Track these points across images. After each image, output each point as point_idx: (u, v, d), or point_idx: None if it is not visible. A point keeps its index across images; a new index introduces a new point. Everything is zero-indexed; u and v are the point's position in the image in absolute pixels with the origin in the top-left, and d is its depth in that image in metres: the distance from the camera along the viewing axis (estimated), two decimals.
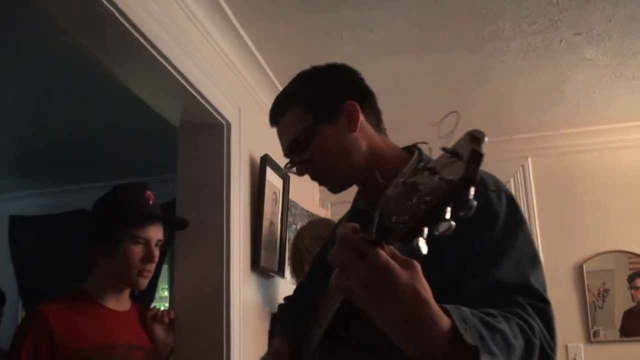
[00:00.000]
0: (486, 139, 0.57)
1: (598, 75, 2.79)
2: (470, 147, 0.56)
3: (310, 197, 3.41)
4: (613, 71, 2.74)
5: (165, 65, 1.78)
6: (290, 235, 2.81)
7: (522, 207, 3.49)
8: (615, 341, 3.27)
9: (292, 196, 2.87)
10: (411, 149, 1.24)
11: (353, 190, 1.31)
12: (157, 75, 1.84)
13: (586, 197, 3.47)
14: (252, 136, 2.44)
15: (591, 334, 3.30)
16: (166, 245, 2.70)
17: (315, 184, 1.31)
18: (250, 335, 2.24)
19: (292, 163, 1.28)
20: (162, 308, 2.11)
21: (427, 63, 2.60)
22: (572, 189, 3.51)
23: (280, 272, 2.71)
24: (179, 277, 2.16)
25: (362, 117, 1.22)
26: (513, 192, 3.56)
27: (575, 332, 3.32)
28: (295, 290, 1.60)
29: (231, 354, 2.04)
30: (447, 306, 0.77)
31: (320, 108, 1.23)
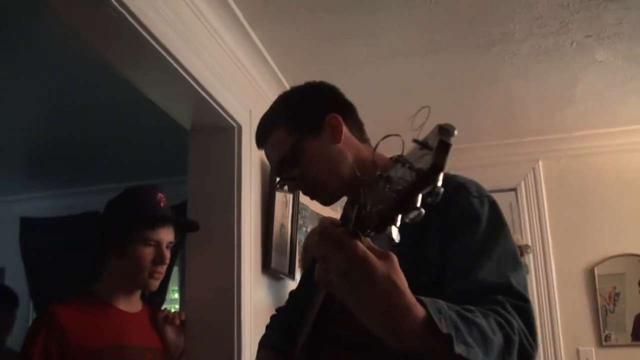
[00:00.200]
0: (455, 132, 0.61)
1: (609, 78, 2.77)
2: (439, 138, 0.60)
3: None
4: (624, 73, 2.73)
5: (176, 67, 1.78)
6: (301, 237, 2.82)
7: (533, 210, 3.51)
8: (626, 345, 3.24)
9: (303, 199, 2.87)
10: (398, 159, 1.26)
11: None
12: (168, 77, 1.85)
13: (597, 200, 3.45)
14: None
15: (602, 338, 3.27)
16: (177, 247, 2.71)
17: None
18: (260, 337, 2.24)
19: (282, 181, 1.32)
20: (173, 310, 2.12)
21: (437, 65, 2.59)
22: (583, 192, 3.49)
23: (291, 274, 2.71)
24: (190, 279, 2.16)
25: (345, 129, 1.27)
26: (524, 195, 3.58)
27: (586, 336, 3.30)
28: (288, 298, 1.63)
29: (242, 356, 2.05)
30: (423, 298, 0.79)
31: (304, 124, 1.27)
